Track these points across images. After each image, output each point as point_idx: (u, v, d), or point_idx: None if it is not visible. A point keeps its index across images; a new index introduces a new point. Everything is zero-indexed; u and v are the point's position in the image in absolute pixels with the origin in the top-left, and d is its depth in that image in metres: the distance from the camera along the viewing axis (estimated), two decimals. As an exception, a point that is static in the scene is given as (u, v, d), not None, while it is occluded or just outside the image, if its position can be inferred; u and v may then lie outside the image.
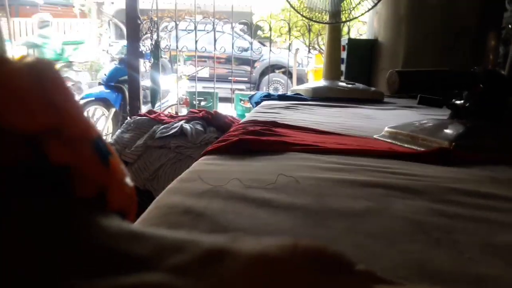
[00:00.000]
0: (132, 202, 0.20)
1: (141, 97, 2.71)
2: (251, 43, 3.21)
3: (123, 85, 3.61)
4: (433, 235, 0.35)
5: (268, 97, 1.72)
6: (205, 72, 7.17)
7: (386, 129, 0.86)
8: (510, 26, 1.82)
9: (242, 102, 4.24)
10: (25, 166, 0.15)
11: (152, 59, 2.79)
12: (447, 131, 0.74)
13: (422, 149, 0.71)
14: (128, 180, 0.20)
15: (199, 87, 4.34)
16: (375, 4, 1.84)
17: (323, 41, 3.50)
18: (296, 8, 1.95)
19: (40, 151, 0.15)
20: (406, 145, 0.77)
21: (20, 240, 0.13)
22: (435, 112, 1.24)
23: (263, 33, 4.07)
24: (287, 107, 1.34)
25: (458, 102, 0.83)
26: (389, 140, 0.82)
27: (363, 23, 2.94)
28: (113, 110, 3.69)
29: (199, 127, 1.55)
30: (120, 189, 0.19)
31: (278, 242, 0.15)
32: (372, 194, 0.46)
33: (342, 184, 0.49)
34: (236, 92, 4.63)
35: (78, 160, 0.16)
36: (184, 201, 0.41)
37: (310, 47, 3.18)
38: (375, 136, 0.87)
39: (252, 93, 2.44)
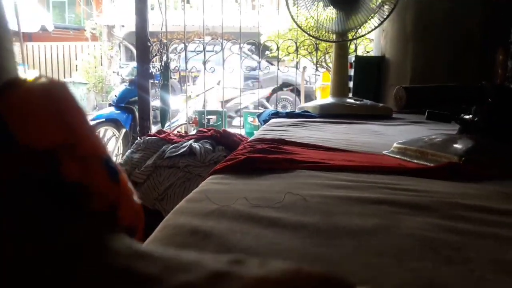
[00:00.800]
0: (140, 219, 0.20)
1: (151, 117, 2.75)
2: (259, 62, 3.25)
3: (133, 106, 3.67)
4: (443, 253, 0.35)
5: (276, 114, 1.73)
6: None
7: (395, 145, 0.85)
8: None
9: (250, 120, 4.26)
10: (38, 179, 0.16)
11: (162, 80, 2.84)
12: (456, 146, 0.74)
13: (432, 165, 0.70)
14: (136, 198, 0.20)
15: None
16: (381, 22, 1.86)
17: (330, 59, 3.53)
18: (303, 27, 1.98)
19: (54, 166, 0.16)
20: (415, 161, 0.76)
21: (17, 242, 0.14)
22: (443, 127, 1.23)
23: (271, 53, 4.13)
24: (295, 125, 1.34)
25: (466, 117, 0.83)
26: (398, 156, 0.82)
27: (370, 41, 2.97)
28: (123, 130, 3.74)
29: (208, 146, 1.56)
30: (129, 205, 0.19)
31: (281, 266, 0.15)
32: (381, 211, 0.46)
33: (350, 201, 0.49)
34: (244, 110, 4.66)
35: (89, 176, 0.17)
36: (191, 221, 0.41)
37: (318, 65, 3.21)
38: (384, 152, 0.86)
39: (261, 111, 2.46)
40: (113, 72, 8.68)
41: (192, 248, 0.35)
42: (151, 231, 0.41)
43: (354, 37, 1.96)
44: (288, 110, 2.46)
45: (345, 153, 0.85)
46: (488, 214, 0.44)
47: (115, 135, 3.79)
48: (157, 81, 3.08)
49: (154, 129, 3.24)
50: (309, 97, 7.29)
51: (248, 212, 0.43)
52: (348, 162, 0.71)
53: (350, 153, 0.85)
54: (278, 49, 3.18)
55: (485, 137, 0.76)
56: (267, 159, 0.67)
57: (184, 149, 1.51)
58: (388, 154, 0.85)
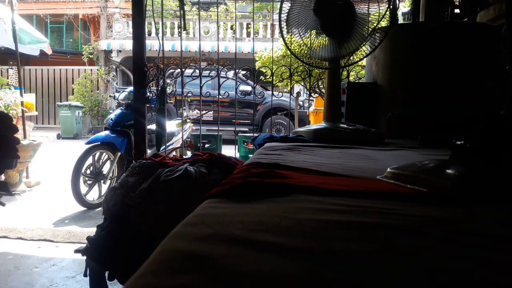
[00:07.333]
0: None
1: (146, 141, 2.75)
2: (253, 87, 3.30)
3: (129, 130, 3.68)
4: (438, 278, 0.35)
5: (271, 139, 1.75)
6: (209, 115, 7.31)
7: (389, 170, 0.86)
8: (507, 67, 1.87)
9: (245, 144, 4.28)
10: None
11: (158, 104, 2.86)
12: (449, 171, 0.75)
13: (425, 190, 0.71)
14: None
15: (203, 130, 4.42)
16: (373, 50, 1.91)
17: (323, 84, 3.60)
18: (297, 54, 2.03)
19: None
20: (408, 186, 0.77)
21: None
22: (435, 152, 1.25)
23: (265, 79, 4.20)
24: (289, 149, 1.35)
25: (458, 142, 0.84)
26: (391, 181, 0.83)
27: (362, 67, 3.03)
28: (118, 154, 3.73)
29: (203, 169, 1.56)
30: None
31: None
32: (376, 236, 0.46)
33: (346, 226, 0.49)
34: (240, 134, 4.69)
35: None
36: (188, 245, 0.41)
37: (311, 91, 3.26)
38: (378, 177, 0.87)
39: (255, 135, 2.48)
40: (110, 96, 8.74)
41: (188, 273, 0.35)
42: (147, 255, 0.41)
43: (346, 64, 2.00)
44: (282, 134, 2.48)
45: (340, 178, 0.85)
46: (481, 238, 0.45)
47: (110, 158, 3.78)
48: (153, 105, 3.10)
49: (149, 152, 3.23)
50: (302, 121, 7.37)
51: (244, 236, 0.43)
52: (342, 187, 0.72)
53: (344, 178, 0.85)
54: (272, 75, 3.23)
55: (477, 162, 0.77)
56: (263, 183, 0.68)
57: (180, 172, 1.51)
58: (382, 179, 0.86)
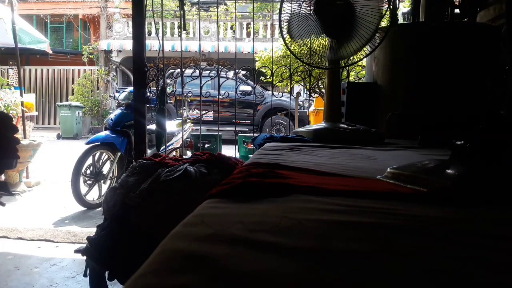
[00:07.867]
0: None
1: (146, 141, 2.75)
2: (253, 88, 3.30)
3: (129, 130, 3.68)
4: (439, 278, 0.35)
5: (271, 139, 1.75)
6: (209, 115, 7.31)
7: (389, 170, 0.86)
8: (507, 67, 1.87)
9: (245, 144, 4.28)
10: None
11: (158, 104, 2.86)
12: (449, 171, 0.75)
13: (425, 190, 0.71)
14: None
15: (203, 130, 4.42)
16: (373, 50, 1.91)
17: (323, 84, 3.60)
18: (297, 54, 2.03)
19: None
20: (409, 186, 0.77)
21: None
22: (435, 152, 1.25)
23: (265, 79, 4.21)
24: (289, 149, 1.35)
25: (458, 142, 0.84)
26: (391, 181, 0.83)
27: (362, 67, 3.03)
28: (118, 154, 3.73)
29: (203, 169, 1.56)
30: None
31: None
32: (376, 236, 0.46)
33: (346, 226, 0.49)
34: (240, 134, 4.69)
35: None
36: (188, 245, 0.41)
37: (311, 91, 3.26)
38: (378, 177, 0.87)
39: (255, 135, 2.48)
40: (110, 96, 8.74)
41: (188, 272, 0.35)
42: (147, 255, 0.41)
43: (346, 64, 2.00)
44: (282, 135, 2.48)
45: (340, 178, 0.85)
46: (481, 238, 0.45)
47: (110, 158, 3.78)
48: (153, 105, 3.11)
49: (149, 152, 3.23)
50: (302, 121, 7.38)
51: (244, 236, 0.43)
52: (342, 187, 0.72)
53: (344, 178, 0.85)
54: (272, 75, 3.23)
55: (477, 162, 0.77)
56: (263, 183, 0.68)
57: (179, 172, 1.51)
58: (382, 179, 0.86)
